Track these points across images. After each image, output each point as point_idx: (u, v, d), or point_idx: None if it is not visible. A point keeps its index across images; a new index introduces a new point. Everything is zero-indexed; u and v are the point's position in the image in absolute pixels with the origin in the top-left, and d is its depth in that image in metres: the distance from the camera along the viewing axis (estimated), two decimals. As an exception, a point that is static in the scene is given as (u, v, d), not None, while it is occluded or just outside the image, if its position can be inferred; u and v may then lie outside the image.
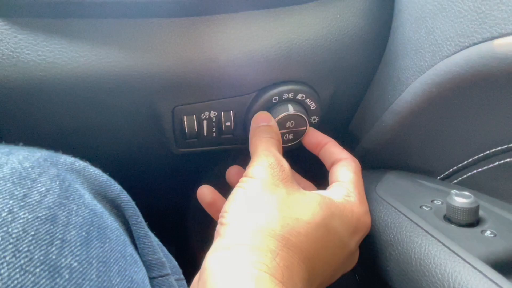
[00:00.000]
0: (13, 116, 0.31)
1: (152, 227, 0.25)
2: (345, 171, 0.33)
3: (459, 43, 0.28)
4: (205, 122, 0.36)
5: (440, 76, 0.29)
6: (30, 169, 0.17)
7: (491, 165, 0.32)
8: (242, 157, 0.43)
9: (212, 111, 0.35)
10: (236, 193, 0.28)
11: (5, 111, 0.30)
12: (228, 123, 0.36)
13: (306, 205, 0.27)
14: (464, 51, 0.27)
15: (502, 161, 0.31)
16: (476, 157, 0.33)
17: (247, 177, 0.29)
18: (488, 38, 0.26)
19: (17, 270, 0.13)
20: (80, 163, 0.20)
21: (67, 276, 0.14)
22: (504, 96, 0.28)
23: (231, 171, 0.38)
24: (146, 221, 0.23)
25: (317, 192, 0.30)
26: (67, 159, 0.19)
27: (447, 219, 0.30)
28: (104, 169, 0.23)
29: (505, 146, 0.30)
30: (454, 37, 0.28)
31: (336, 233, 0.28)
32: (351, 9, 0.34)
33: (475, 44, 0.26)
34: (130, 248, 0.19)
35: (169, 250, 0.26)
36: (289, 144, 0.38)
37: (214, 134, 0.37)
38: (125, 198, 0.21)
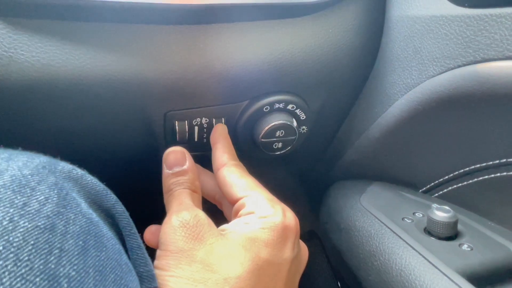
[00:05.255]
0: (5, 116, 0.31)
1: (138, 229, 0.25)
2: (237, 179, 0.32)
3: (444, 64, 0.29)
4: (196, 128, 0.36)
5: (425, 94, 0.31)
6: (29, 176, 0.17)
7: (471, 181, 0.33)
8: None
9: (203, 118, 0.36)
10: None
11: None
12: (219, 130, 0.37)
13: (231, 257, 0.25)
14: (449, 73, 0.29)
15: (481, 178, 0.32)
16: (457, 172, 0.34)
17: (161, 250, 0.26)
18: (472, 62, 0.27)
19: (18, 279, 0.13)
20: (78, 171, 0.20)
21: (65, 285, 0.15)
22: (484, 117, 0.29)
23: (149, 231, 0.34)
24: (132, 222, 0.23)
25: (238, 233, 0.27)
26: (65, 167, 0.19)
27: (427, 231, 0.31)
28: (93, 170, 0.23)
29: (484, 164, 0.32)
30: (440, 58, 0.29)
31: (271, 264, 0.27)
32: (343, 24, 0.35)
33: (459, 66, 0.28)
34: (125, 257, 0.19)
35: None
36: (278, 153, 0.39)
37: (205, 140, 0.37)
38: (120, 208, 0.21)
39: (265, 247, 0.27)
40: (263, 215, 0.29)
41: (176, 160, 0.32)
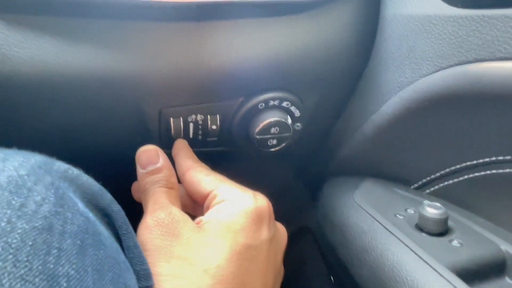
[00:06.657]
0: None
1: (134, 228, 0.25)
2: (204, 176, 0.32)
3: (437, 64, 0.29)
4: (191, 124, 0.36)
5: (418, 93, 0.31)
6: (26, 177, 0.17)
7: (461, 178, 0.34)
8: (226, 159, 0.44)
9: (199, 114, 0.36)
10: None
11: None
12: (214, 127, 0.37)
13: (208, 248, 0.25)
14: (442, 72, 0.29)
15: (472, 175, 0.33)
16: (448, 169, 0.35)
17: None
18: (464, 62, 0.27)
19: (18, 280, 0.14)
20: (74, 171, 0.20)
21: (65, 285, 0.15)
22: (475, 116, 0.30)
23: (135, 186, 0.36)
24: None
25: (214, 222, 0.28)
26: (60, 167, 0.19)
27: (419, 227, 0.31)
28: (88, 168, 0.23)
29: (474, 162, 0.32)
30: (433, 57, 0.30)
31: (249, 247, 0.27)
32: (338, 22, 0.35)
33: (451, 66, 0.28)
34: (123, 255, 0.20)
35: None
36: (273, 149, 0.39)
37: (200, 137, 0.38)
38: (115, 207, 0.22)
39: (241, 232, 0.27)
40: (235, 201, 0.29)
41: (150, 158, 0.31)
